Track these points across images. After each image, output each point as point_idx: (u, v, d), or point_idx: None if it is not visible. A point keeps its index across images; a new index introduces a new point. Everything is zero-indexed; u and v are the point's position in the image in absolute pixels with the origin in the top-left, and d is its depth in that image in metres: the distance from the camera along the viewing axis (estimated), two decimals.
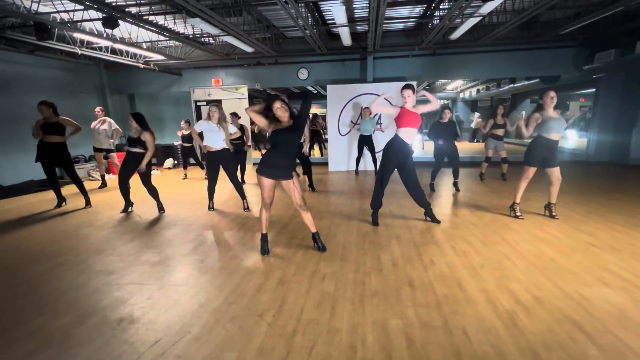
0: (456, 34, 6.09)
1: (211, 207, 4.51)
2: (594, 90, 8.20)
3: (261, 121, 2.79)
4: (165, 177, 7.68)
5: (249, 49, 6.95)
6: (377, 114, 7.41)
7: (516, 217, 3.84)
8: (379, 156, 7.33)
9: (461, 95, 14.72)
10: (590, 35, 6.38)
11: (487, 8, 4.84)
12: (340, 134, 7.77)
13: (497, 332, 1.84)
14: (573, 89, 9.50)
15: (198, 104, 9.20)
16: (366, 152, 6.90)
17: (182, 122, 6.96)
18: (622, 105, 7.16)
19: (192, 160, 7.39)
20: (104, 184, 6.41)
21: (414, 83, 7.43)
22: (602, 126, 7.55)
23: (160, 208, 4.49)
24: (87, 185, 6.14)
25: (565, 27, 5.81)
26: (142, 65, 7.45)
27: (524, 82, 9.37)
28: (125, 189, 4.42)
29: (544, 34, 6.30)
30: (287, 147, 2.76)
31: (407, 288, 2.34)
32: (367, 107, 6.67)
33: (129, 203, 4.53)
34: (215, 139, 4.22)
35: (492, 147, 5.76)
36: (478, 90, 12.70)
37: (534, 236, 3.28)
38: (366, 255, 2.91)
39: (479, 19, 5.25)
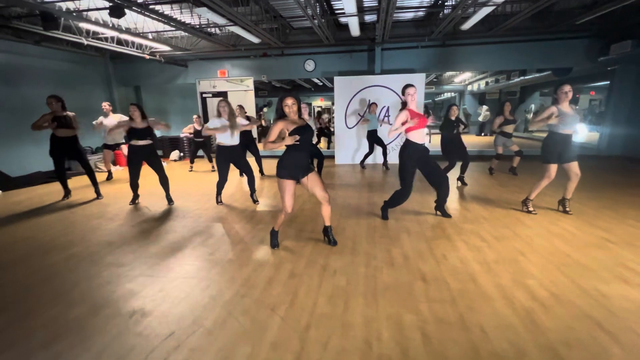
0: (468, 24, 5.93)
1: (219, 201, 4.50)
2: (607, 83, 8.01)
3: (280, 133, 2.62)
4: (171, 169, 7.68)
5: (255, 40, 6.86)
6: (384, 106, 7.32)
7: (528, 212, 3.78)
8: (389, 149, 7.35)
9: (469, 88, 14.48)
10: (606, 25, 6.18)
11: None
12: (348, 127, 7.69)
13: (515, 329, 1.80)
14: (585, 82, 9.27)
15: (204, 95, 9.16)
16: (376, 147, 6.81)
17: (195, 117, 6.91)
18: (635, 99, 6.98)
19: (200, 152, 7.36)
20: (110, 176, 6.44)
21: (423, 75, 7.30)
22: (615, 120, 7.38)
23: (170, 200, 4.49)
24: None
25: (580, 17, 5.64)
26: (147, 56, 7.39)
27: (535, 75, 9.16)
28: (136, 185, 4.45)
29: (558, 24, 6.12)
30: (308, 145, 2.72)
31: (420, 283, 2.31)
32: (374, 103, 6.59)
33: (137, 196, 4.54)
34: (227, 135, 4.17)
35: (501, 144, 5.66)
36: (487, 83, 12.46)
37: (547, 231, 3.22)
38: (376, 249, 2.88)
39: (492, 8, 5.10)
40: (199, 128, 6.80)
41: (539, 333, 1.77)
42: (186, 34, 7.02)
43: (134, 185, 4.45)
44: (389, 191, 4.89)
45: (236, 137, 4.22)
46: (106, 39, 6.36)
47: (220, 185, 4.39)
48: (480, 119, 13.39)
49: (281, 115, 2.62)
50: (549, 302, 2.05)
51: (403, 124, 3.26)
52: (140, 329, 1.88)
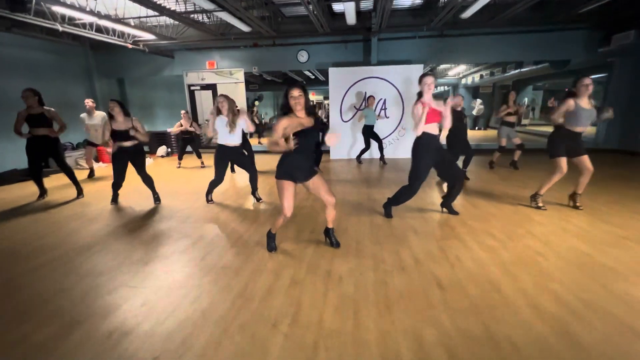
0: (469, 12, 5.71)
1: (210, 200, 4.19)
2: (604, 75, 7.93)
3: (284, 134, 2.33)
4: (158, 165, 7.31)
5: (245, 28, 6.50)
6: (380, 99, 7.08)
7: (538, 208, 3.61)
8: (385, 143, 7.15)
9: (463, 81, 14.36)
10: (607, 16, 6.05)
11: None
12: (343, 120, 7.43)
13: (548, 344, 1.60)
14: (583, 74, 9.20)
15: (192, 88, 8.74)
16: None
17: (182, 113, 6.50)
18: (633, 91, 6.91)
19: (188, 149, 7.00)
20: (92, 174, 6.06)
21: (421, 66, 7.08)
22: (614, 112, 7.29)
23: (157, 199, 4.17)
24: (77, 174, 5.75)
25: (583, 6, 5.48)
26: (130, 46, 6.95)
27: (532, 67, 9.05)
28: (118, 186, 4.13)
29: (559, 13, 5.95)
30: (310, 148, 2.44)
31: (435, 289, 2.09)
32: (371, 96, 6.33)
33: (116, 195, 4.21)
34: (230, 135, 3.84)
35: (505, 135, 5.51)
36: (481, 76, 12.34)
37: (561, 229, 3.05)
38: (384, 251, 2.65)
39: None
40: (187, 125, 6.43)
41: (577, 347, 1.57)
42: (172, 20, 6.61)
43: (116, 186, 4.12)
44: (388, 187, 4.69)
45: (238, 137, 3.90)
46: (84, 26, 5.91)
47: (214, 185, 4.08)
48: (474, 112, 13.30)
49: (287, 110, 2.34)
50: (579, 309, 1.86)
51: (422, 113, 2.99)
52: (119, 352, 1.61)
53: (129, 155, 3.95)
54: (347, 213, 3.61)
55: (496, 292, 2.04)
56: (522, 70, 9.61)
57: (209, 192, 4.17)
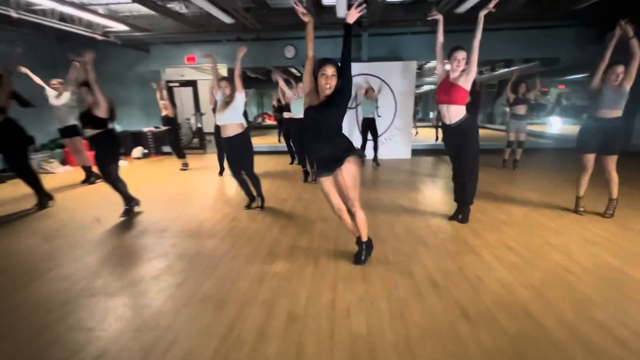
0: (465, 6, 5.45)
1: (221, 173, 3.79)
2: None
3: (306, 85, 2.14)
4: (133, 168, 6.70)
5: (228, 20, 6.01)
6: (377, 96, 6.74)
7: (577, 212, 3.36)
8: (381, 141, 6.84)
9: None
10: (601, 12, 5.92)
11: None
12: None
13: None
14: (572, 72, 9.23)
15: (170, 84, 8.14)
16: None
17: (161, 103, 5.95)
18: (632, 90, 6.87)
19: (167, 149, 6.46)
20: (89, 177, 5.16)
21: (414, 63, 6.79)
22: None
23: (127, 210, 3.60)
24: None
25: (579, 3, 5.32)
26: (100, 37, 6.32)
27: (522, 66, 8.97)
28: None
29: (555, 9, 5.78)
30: (322, 130, 2.09)
31: (463, 323, 1.74)
32: (371, 87, 5.99)
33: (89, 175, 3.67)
34: (227, 116, 3.41)
35: (514, 130, 5.30)
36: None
37: (581, 238, 2.79)
38: (393, 271, 2.29)
39: None
40: (166, 113, 5.92)
41: None
42: (146, 9, 6.02)
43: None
44: (386, 190, 4.35)
45: (233, 116, 3.43)
46: (44, 13, 5.26)
47: (221, 156, 3.69)
48: None
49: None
50: (636, 344, 1.55)
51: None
52: None
53: (92, 147, 3.41)
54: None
55: (534, 323, 1.72)
56: (511, 68, 9.52)
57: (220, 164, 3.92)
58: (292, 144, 6.18)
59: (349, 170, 2.09)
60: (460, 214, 3.20)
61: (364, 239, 2.38)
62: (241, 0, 5.81)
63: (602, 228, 2.98)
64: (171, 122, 5.96)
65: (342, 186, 2.12)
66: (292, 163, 6.47)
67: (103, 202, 3.98)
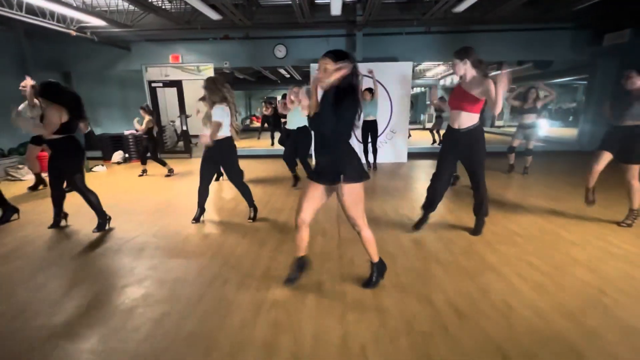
0: (463, 5, 5.27)
1: (196, 218, 3.37)
2: (582, 76, 7.90)
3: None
4: (112, 174, 6.22)
5: (215, 16, 5.64)
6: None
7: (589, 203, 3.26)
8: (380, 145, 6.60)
9: (441, 82, 14.26)
10: (603, 14, 5.87)
11: None
12: None
13: None
14: (563, 75, 9.25)
15: (153, 85, 7.69)
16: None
17: (141, 110, 5.53)
18: (617, 93, 6.86)
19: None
20: (38, 183, 4.90)
21: (410, 64, 6.59)
22: (597, 115, 7.24)
23: (101, 225, 3.18)
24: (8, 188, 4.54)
25: (579, 4, 5.21)
26: (74, 33, 5.83)
27: (515, 68, 8.93)
28: (56, 197, 3.16)
29: (555, 9, 5.67)
30: (325, 139, 1.83)
31: None
32: (368, 89, 5.71)
33: (58, 214, 3.25)
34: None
35: (522, 137, 5.15)
36: (461, 77, 12.21)
37: (604, 252, 2.57)
38: (410, 297, 2.00)
39: None
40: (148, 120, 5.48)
41: None
42: (125, 4, 5.60)
43: (54, 198, 3.16)
44: (388, 198, 4.07)
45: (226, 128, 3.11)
46: (9, 5, 4.77)
47: (203, 193, 3.31)
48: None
49: None
50: None
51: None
52: None
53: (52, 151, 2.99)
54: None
55: None
56: (505, 71, 9.42)
57: (199, 205, 3.36)
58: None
59: (349, 188, 1.82)
60: (474, 226, 2.96)
61: (375, 259, 2.08)
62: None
63: (623, 240, 2.78)
64: (150, 130, 5.52)
65: (346, 204, 1.86)
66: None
67: (76, 215, 3.54)
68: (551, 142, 8.87)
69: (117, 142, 7.64)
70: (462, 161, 2.76)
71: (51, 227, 3.25)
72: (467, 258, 2.50)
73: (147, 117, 5.45)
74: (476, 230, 2.92)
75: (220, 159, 3.23)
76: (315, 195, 1.90)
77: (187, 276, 2.29)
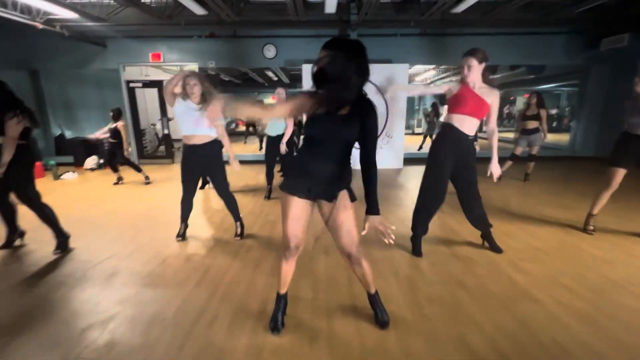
0: (462, 6, 5.07)
1: (181, 235, 2.93)
2: (573, 82, 7.91)
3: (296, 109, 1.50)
4: (84, 182, 5.65)
5: (200, 11, 5.23)
6: None
7: (585, 230, 2.97)
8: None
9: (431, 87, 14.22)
10: (601, 18, 5.80)
11: None
12: None
13: None
14: (556, 80, 9.30)
15: (131, 85, 7.14)
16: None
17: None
18: (609, 98, 6.86)
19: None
20: None
21: (406, 66, 6.36)
22: (589, 120, 7.23)
23: (61, 245, 2.71)
24: None
25: (580, 5, 5.11)
26: (40, 26, 5.26)
27: (507, 72, 8.89)
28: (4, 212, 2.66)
29: (554, 12, 5.55)
30: (336, 146, 1.47)
31: None
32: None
33: (14, 231, 2.75)
34: (196, 124, 2.63)
35: (525, 145, 4.96)
36: (451, 82, 12.19)
37: (638, 270, 2.32)
38: (442, 337, 1.65)
39: None
40: (112, 125, 5.00)
41: None
42: None
43: (4, 215, 2.67)
44: (393, 209, 3.74)
45: (209, 129, 2.68)
46: None
47: (186, 207, 2.90)
48: (442, 119, 13.14)
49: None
50: None
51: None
52: None
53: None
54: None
55: None
56: (495, 76, 9.45)
57: (182, 220, 2.94)
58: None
59: (347, 203, 1.55)
60: (488, 243, 2.67)
61: (373, 290, 1.74)
62: None
63: None
64: (118, 134, 5.04)
65: (344, 220, 1.53)
66: (282, 176, 5.68)
67: (37, 231, 3.02)
68: (542, 148, 8.83)
69: (91, 146, 7.02)
70: (462, 171, 2.44)
71: (2, 247, 2.73)
72: (495, 281, 2.19)
73: (119, 123, 4.98)
74: (497, 247, 2.62)
75: (207, 165, 2.82)
76: (303, 213, 1.53)
77: (166, 312, 1.87)
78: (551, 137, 11.33)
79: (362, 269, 1.64)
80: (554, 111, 17.41)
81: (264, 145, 8.14)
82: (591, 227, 2.98)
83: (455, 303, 1.94)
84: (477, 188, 2.49)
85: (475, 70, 2.30)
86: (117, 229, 3.26)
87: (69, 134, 7.79)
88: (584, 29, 6.40)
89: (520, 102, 19.39)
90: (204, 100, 2.63)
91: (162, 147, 7.98)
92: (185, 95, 2.61)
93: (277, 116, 1.48)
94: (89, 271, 2.38)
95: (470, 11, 5.58)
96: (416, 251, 2.57)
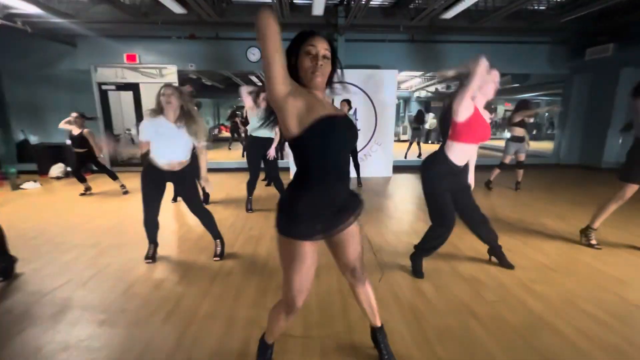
0: (452, 12, 4.98)
1: (150, 257, 2.56)
2: (558, 91, 8.03)
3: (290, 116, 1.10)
4: (47, 193, 5.12)
5: (179, 9, 4.89)
6: (355, 109, 5.96)
7: (590, 245, 2.81)
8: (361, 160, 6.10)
9: (416, 94, 14.30)
10: (585, 28, 5.88)
11: None
12: None
13: None
14: (540, 89, 9.45)
15: (103, 87, 6.67)
16: None
17: (73, 116, 4.61)
18: (593, 106, 6.96)
19: (94, 167, 5.02)
20: None
21: (395, 72, 6.21)
22: (574, 128, 7.32)
23: (4, 271, 2.28)
24: None
25: (564, 16, 5.13)
26: (0, 21, 4.79)
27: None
28: None
29: (541, 22, 5.57)
30: (348, 154, 1.23)
31: None
32: (345, 100, 5.14)
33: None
34: (172, 148, 2.30)
35: (513, 153, 4.85)
36: (436, 90, 12.31)
37: None
38: None
39: None
40: (76, 133, 4.55)
41: None
42: None
43: None
44: (387, 222, 3.49)
45: (184, 152, 2.37)
46: None
47: (151, 223, 2.53)
48: (427, 126, 13.18)
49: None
50: None
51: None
52: None
53: None
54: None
55: None
56: None
57: (150, 239, 2.58)
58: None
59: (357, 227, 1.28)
60: (498, 260, 2.46)
61: (379, 323, 1.49)
62: None
63: None
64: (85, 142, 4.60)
65: (354, 236, 1.27)
66: (268, 185, 5.31)
67: None
68: (529, 156, 8.90)
69: (57, 153, 6.47)
70: (458, 194, 2.23)
71: None
72: (508, 308, 1.95)
73: (85, 130, 4.56)
74: (507, 264, 2.43)
75: (176, 186, 2.47)
76: (315, 257, 1.18)
77: (128, 356, 1.52)
78: (537, 145, 11.57)
79: (366, 290, 1.39)
80: (535, 120, 17.91)
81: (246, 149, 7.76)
82: (594, 242, 2.82)
83: (470, 338, 1.68)
84: (479, 211, 2.28)
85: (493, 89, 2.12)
86: (77, 248, 2.84)
87: (34, 140, 7.17)
88: (568, 39, 6.48)
89: (501, 110, 19.91)
90: (182, 117, 2.28)
91: (137, 154, 7.48)
92: (158, 111, 2.26)
93: (277, 72, 0.96)
94: (35, 304, 1.98)
95: (459, 18, 5.53)
96: (417, 272, 2.31)
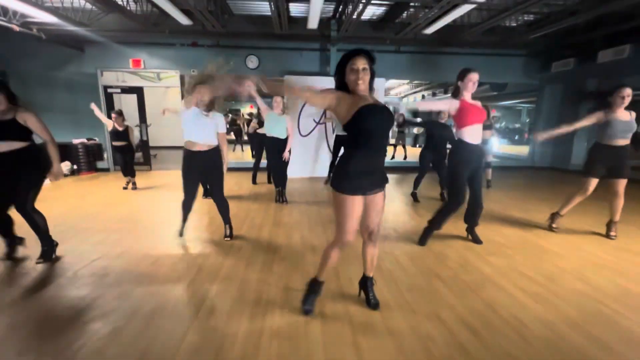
0: (432, 28, 5.56)
1: (181, 232, 3.08)
2: (533, 99, 8.70)
3: (327, 104, 1.64)
4: (57, 189, 5.46)
5: (185, 21, 5.35)
6: None
7: (550, 228, 3.39)
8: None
9: (404, 100, 14.96)
10: (550, 44, 6.55)
11: None
12: (301, 135, 6.64)
13: None
14: (516, 97, 10.17)
15: (109, 90, 7.04)
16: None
17: (113, 115, 5.03)
18: (563, 114, 7.65)
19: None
20: None
21: (383, 80, 6.76)
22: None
23: (48, 253, 2.60)
24: None
25: (532, 33, 5.77)
26: (17, 28, 5.15)
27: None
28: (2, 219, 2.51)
29: (513, 37, 6.21)
30: (386, 138, 1.70)
31: None
32: None
33: (13, 240, 2.60)
34: (204, 131, 2.79)
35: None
36: (423, 97, 12.98)
37: (585, 261, 2.69)
38: (420, 317, 1.87)
39: (469, 8, 4.75)
40: (121, 128, 4.98)
41: None
42: (81, 1, 5.09)
43: (1, 226, 2.54)
44: None
45: (213, 136, 2.88)
46: None
47: (187, 208, 2.98)
48: (415, 131, 13.82)
49: (341, 84, 1.66)
50: None
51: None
52: None
53: (10, 169, 2.39)
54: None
55: None
56: None
57: (183, 219, 3.04)
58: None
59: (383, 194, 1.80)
60: (470, 236, 3.10)
61: (372, 274, 1.97)
62: (199, 4, 5.22)
63: (601, 249, 2.95)
64: (125, 135, 5.03)
65: (380, 209, 1.77)
66: (269, 182, 5.75)
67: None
68: (504, 158, 9.59)
69: (63, 152, 6.78)
70: (470, 176, 2.80)
71: (4, 259, 2.61)
72: (465, 271, 2.46)
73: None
74: (478, 239, 3.06)
75: (207, 170, 2.92)
76: (360, 209, 1.67)
77: (166, 306, 1.96)
78: (514, 149, 12.31)
79: (374, 250, 1.86)
80: (517, 125, 18.78)
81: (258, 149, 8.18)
82: (555, 225, 3.36)
83: (432, 290, 2.18)
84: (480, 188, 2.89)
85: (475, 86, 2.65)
86: (100, 232, 3.24)
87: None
88: (539, 53, 7.16)
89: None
90: (212, 107, 2.77)
91: (139, 154, 7.82)
92: (196, 102, 2.73)
93: (319, 103, 1.61)
94: (80, 272, 2.39)
95: (440, 33, 6.12)
96: (423, 241, 2.95)
